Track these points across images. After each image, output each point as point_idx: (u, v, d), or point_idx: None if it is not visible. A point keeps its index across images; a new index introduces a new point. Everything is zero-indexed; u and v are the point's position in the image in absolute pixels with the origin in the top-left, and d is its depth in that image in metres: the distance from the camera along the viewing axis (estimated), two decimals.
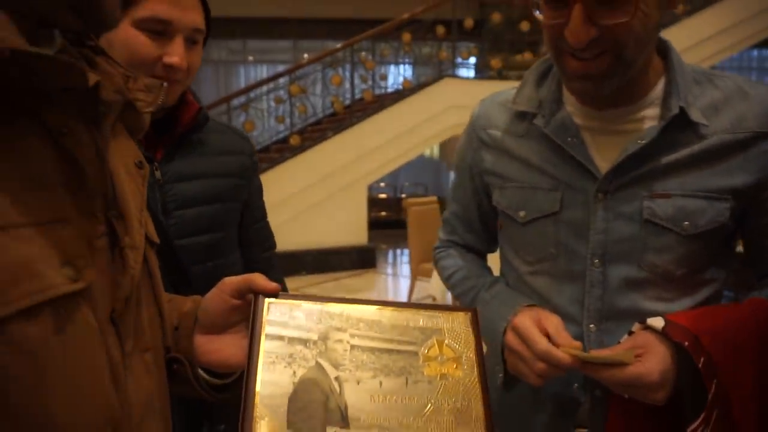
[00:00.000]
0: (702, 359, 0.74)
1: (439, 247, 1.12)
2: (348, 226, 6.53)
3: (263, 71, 10.23)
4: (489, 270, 1.08)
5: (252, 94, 6.89)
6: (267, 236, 1.27)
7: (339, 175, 6.40)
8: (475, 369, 0.63)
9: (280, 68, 7.49)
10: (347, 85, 7.20)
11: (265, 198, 1.26)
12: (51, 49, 0.49)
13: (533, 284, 0.93)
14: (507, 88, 1.01)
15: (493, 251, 1.11)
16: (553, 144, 0.88)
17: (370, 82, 7.22)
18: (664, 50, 0.87)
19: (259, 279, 0.63)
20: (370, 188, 6.89)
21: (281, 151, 6.52)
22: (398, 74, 8.06)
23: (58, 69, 0.42)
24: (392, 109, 6.52)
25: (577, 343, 0.78)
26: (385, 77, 7.42)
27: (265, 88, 6.94)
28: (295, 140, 6.47)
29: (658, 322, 0.77)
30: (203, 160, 1.08)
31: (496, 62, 7.33)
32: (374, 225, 7.61)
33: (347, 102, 7.18)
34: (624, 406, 0.81)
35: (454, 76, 7.04)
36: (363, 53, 7.11)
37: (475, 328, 0.66)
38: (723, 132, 0.82)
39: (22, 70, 0.40)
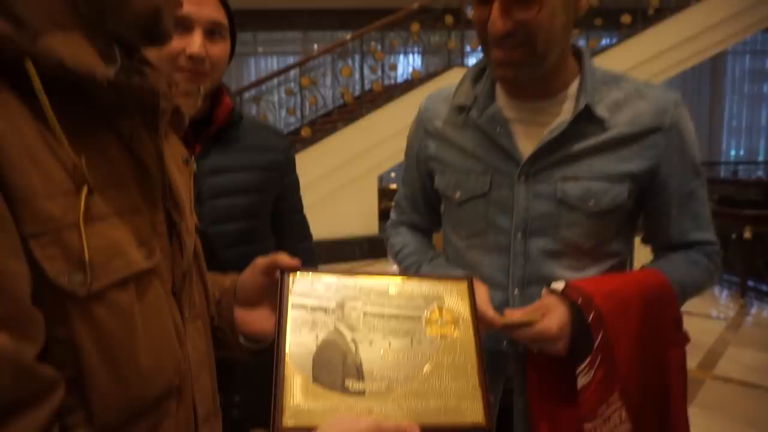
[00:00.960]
0: (592, 314, 0.89)
1: (389, 226, 1.26)
2: (359, 217, 6.63)
3: (273, 62, 10.32)
4: (432, 246, 1.21)
5: (263, 87, 6.99)
6: (301, 228, 1.37)
7: (350, 166, 6.49)
8: (471, 329, 0.74)
9: (290, 59, 7.55)
10: (357, 76, 7.28)
11: None
12: (114, 64, 0.59)
13: (467, 257, 1.06)
14: None
15: (437, 231, 1.24)
16: (484, 134, 1.02)
17: (379, 73, 7.29)
18: (578, 56, 1.01)
19: (283, 257, 0.73)
20: (381, 179, 6.99)
21: (293, 142, 6.58)
22: (407, 64, 8.12)
23: (143, 93, 0.52)
24: (402, 99, 6.59)
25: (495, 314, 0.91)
26: (394, 67, 7.48)
27: (275, 80, 7.04)
28: (306, 132, 6.57)
29: (559, 285, 0.92)
30: (236, 156, 1.19)
31: None
32: (385, 215, 7.68)
33: (357, 93, 7.25)
34: (538, 359, 0.96)
35: (463, 65, 7.08)
36: (372, 43, 7.16)
37: (470, 294, 0.77)
38: (623, 125, 0.96)
39: (115, 94, 0.50)
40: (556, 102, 0.99)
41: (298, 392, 0.64)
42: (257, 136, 1.25)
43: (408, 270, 1.15)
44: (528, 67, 0.92)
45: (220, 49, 1.09)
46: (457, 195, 1.05)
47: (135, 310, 0.50)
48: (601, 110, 0.96)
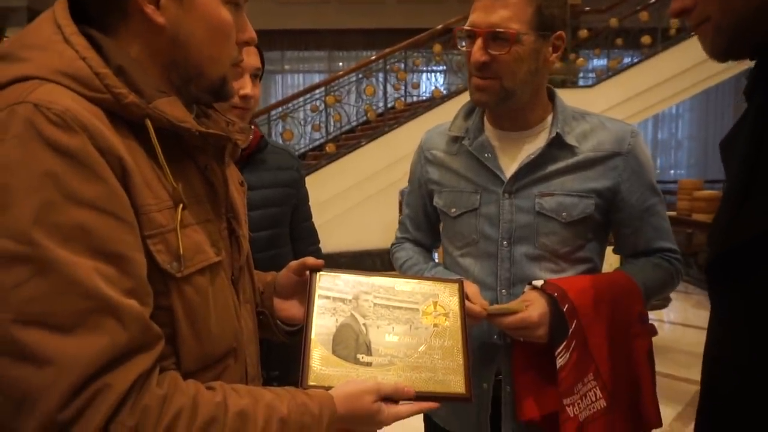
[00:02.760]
0: (566, 306, 1.07)
1: (395, 243, 1.46)
2: (380, 230, 6.82)
3: (299, 78, 10.66)
4: (432, 258, 1.42)
5: (290, 105, 7.27)
6: (312, 233, 1.62)
7: (372, 181, 6.71)
8: (459, 320, 0.93)
9: (315, 76, 7.75)
10: (380, 93, 7.51)
11: None
12: (193, 111, 0.80)
13: (462, 263, 1.26)
14: None
15: (436, 247, 1.44)
16: (475, 159, 1.23)
17: (402, 91, 7.50)
18: (552, 96, 1.23)
19: (311, 259, 0.94)
20: (402, 193, 7.18)
21: (317, 158, 6.88)
22: (429, 83, 8.32)
23: (218, 138, 0.73)
24: (423, 117, 6.79)
25: (486, 303, 1.10)
26: (416, 86, 7.69)
27: (301, 98, 7.31)
28: (330, 148, 6.82)
29: (539, 282, 1.12)
30: (263, 174, 1.43)
31: None
32: None
33: (380, 111, 7.48)
34: (523, 345, 1.14)
35: None
36: (395, 63, 7.38)
37: (460, 293, 0.96)
38: (589, 151, 1.17)
39: (200, 138, 0.71)
40: (533, 133, 1.21)
41: (320, 361, 0.84)
42: (277, 158, 1.50)
43: None
44: (497, 96, 1.14)
45: (258, 89, 1.35)
46: (452, 211, 1.26)
47: (209, 291, 0.70)
48: (570, 139, 1.17)
